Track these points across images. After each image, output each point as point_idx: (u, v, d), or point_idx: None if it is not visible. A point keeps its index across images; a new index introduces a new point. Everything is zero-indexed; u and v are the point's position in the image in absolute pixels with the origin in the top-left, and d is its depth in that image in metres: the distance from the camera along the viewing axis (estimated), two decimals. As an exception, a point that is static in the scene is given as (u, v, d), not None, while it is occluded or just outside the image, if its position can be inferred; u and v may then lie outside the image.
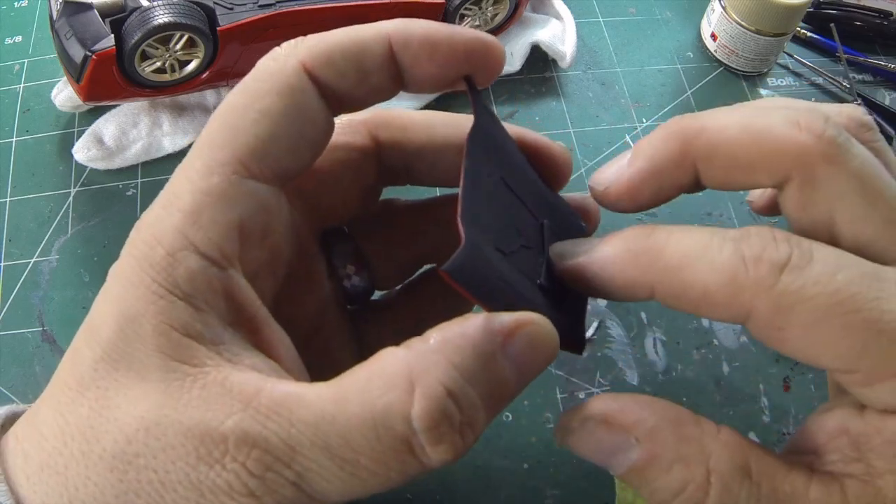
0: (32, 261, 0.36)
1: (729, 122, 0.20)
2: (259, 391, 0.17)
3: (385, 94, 0.22)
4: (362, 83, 0.21)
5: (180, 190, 0.19)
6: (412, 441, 0.17)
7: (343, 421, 0.17)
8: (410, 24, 0.21)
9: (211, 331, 0.18)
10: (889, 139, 0.42)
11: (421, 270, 0.27)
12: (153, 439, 0.17)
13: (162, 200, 0.19)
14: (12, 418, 0.20)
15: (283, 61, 0.20)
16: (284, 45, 0.20)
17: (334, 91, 0.20)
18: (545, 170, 0.24)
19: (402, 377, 0.17)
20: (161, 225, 0.19)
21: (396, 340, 0.19)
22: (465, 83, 0.23)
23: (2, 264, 0.36)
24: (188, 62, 0.35)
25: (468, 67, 0.22)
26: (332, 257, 0.25)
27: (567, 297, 0.23)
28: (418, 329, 0.19)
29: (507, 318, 0.18)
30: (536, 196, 0.25)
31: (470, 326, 0.18)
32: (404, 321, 0.27)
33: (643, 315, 0.36)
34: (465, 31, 0.21)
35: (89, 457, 0.17)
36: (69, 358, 0.19)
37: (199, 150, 0.19)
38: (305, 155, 0.21)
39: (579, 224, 0.26)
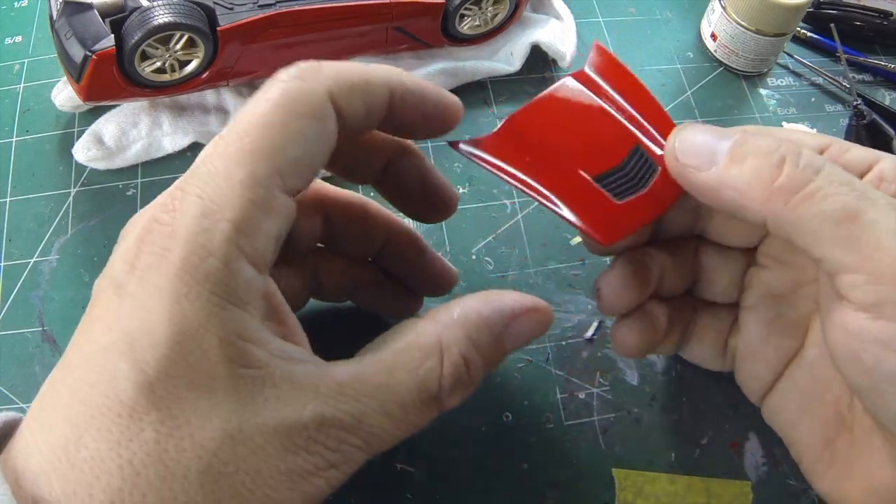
0: (32, 261, 0.36)
1: None
2: (321, 378, 0.20)
3: (368, 131, 0.25)
4: (364, 120, 0.23)
5: (223, 198, 0.19)
6: (440, 396, 0.22)
7: (397, 388, 0.21)
8: (406, 78, 0.24)
9: (260, 332, 0.19)
10: (889, 139, 0.42)
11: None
12: (240, 445, 0.18)
13: (199, 208, 0.19)
14: (11, 426, 0.20)
15: (313, 86, 0.21)
16: (305, 67, 0.22)
17: (343, 122, 0.22)
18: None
19: (435, 348, 0.22)
20: (210, 235, 0.19)
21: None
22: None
23: (2, 264, 0.36)
24: (188, 62, 0.35)
25: (439, 125, 0.25)
26: None
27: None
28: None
29: (516, 303, 0.23)
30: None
31: (486, 307, 0.23)
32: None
33: (643, 315, 0.36)
34: (446, 95, 0.25)
35: (171, 479, 0.17)
36: (102, 382, 0.18)
37: (238, 160, 0.20)
38: (318, 172, 0.22)
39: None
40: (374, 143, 0.27)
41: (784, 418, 0.29)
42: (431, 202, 0.29)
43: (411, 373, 0.21)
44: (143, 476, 0.17)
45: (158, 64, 0.34)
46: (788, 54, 0.47)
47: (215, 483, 0.18)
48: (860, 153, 0.25)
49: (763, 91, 0.46)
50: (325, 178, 0.34)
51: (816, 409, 0.27)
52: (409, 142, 0.28)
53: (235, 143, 0.20)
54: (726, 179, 0.23)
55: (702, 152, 0.24)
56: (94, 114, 0.39)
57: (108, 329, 0.18)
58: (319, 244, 0.30)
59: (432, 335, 0.22)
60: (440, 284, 0.32)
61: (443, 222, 0.38)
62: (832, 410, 0.27)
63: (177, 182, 0.20)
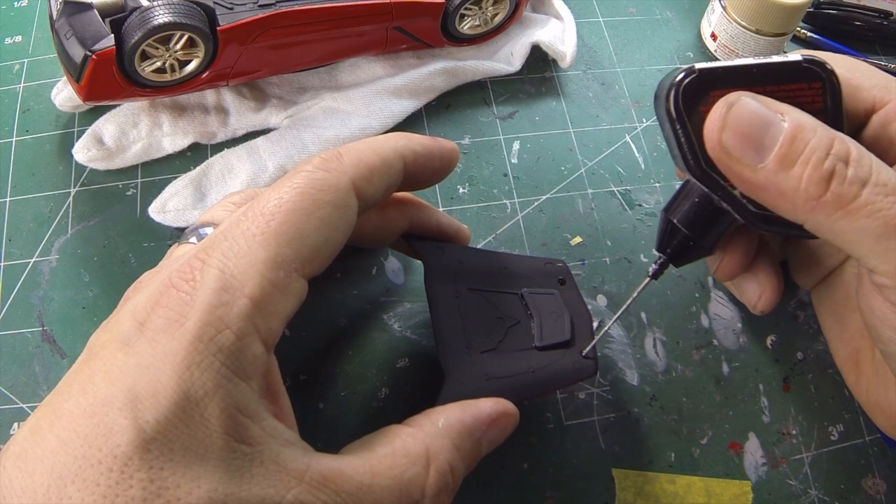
0: (32, 261, 0.36)
1: None
2: (308, 467, 0.20)
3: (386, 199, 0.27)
4: (384, 194, 0.25)
5: (244, 276, 0.20)
6: (422, 502, 0.22)
7: (378, 491, 0.21)
8: (414, 143, 0.26)
9: (258, 408, 0.20)
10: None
11: None
12: None
13: (220, 283, 0.20)
14: None
15: (338, 176, 0.23)
16: (327, 157, 0.23)
17: (366, 202, 0.24)
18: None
19: (421, 456, 0.22)
20: (227, 309, 0.20)
21: None
22: (405, 239, 0.30)
23: (2, 264, 0.36)
24: (188, 62, 0.35)
25: (443, 173, 0.28)
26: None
27: (572, 336, 0.29)
28: None
29: (491, 409, 0.25)
30: (506, 274, 0.31)
31: (468, 416, 0.24)
32: None
33: (643, 315, 0.36)
34: (445, 144, 0.28)
35: None
36: (96, 434, 0.18)
37: (263, 241, 0.21)
38: (335, 256, 0.24)
39: (556, 264, 0.33)
40: (393, 214, 0.30)
41: (822, 318, 0.33)
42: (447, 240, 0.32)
43: (395, 478, 0.22)
44: None
45: (158, 64, 0.34)
46: (788, 54, 0.47)
47: None
48: None
49: (763, 91, 0.46)
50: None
51: (848, 318, 0.30)
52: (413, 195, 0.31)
53: (261, 225, 0.21)
54: (773, 183, 0.23)
55: (749, 143, 0.23)
56: (94, 114, 0.39)
57: (110, 383, 0.19)
58: None
59: (419, 444, 0.23)
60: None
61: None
62: (858, 326, 0.30)
63: (195, 252, 0.21)
